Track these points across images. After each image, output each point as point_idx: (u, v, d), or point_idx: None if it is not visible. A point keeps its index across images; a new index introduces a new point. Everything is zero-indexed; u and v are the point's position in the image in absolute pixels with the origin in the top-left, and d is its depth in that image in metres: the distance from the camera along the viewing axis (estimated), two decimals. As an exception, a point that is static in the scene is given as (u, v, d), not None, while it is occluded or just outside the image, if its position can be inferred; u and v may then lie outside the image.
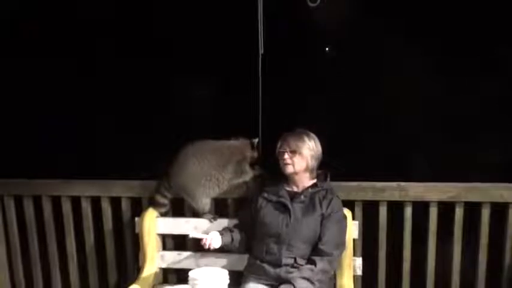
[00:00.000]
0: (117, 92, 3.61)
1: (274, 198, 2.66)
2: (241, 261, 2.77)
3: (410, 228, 2.89)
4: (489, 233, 2.83)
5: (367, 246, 2.92)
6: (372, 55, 3.38)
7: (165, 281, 3.05)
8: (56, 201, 3.23)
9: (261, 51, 3.02)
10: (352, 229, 2.75)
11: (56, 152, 3.63)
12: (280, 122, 3.25)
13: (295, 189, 2.67)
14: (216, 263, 2.78)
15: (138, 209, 3.09)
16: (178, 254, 2.95)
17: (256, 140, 2.92)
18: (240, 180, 2.90)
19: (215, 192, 2.90)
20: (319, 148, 2.65)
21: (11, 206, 3.33)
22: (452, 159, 3.28)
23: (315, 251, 2.55)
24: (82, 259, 3.28)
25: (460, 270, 2.89)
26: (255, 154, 2.90)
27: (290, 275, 2.49)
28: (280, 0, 3.16)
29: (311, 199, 2.62)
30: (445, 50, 3.26)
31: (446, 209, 2.86)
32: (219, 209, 2.99)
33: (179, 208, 3.04)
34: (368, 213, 2.91)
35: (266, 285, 2.59)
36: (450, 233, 2.87)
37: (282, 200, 2.63)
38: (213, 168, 2.85)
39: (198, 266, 2.80)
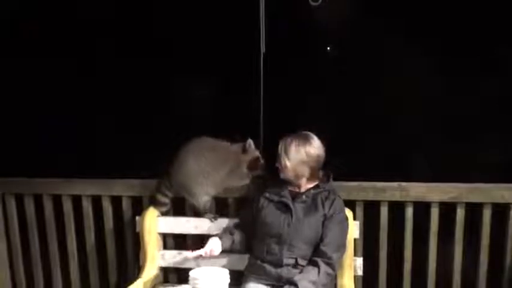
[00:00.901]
0: (118, 92, 3.61)
1: (276, 198, 2.65)
2: (241, 261, 2.77)
3: (411, 228, 2.88)
4: (490, 234, 2.83)
5: (368, 247, 2.92)
6: (373, 55, 3.38)
7: (166, 280, 3.05)
8: (57, 200, 3.24)
9: (263, 50, 3.02)
10: (353, 229, 2.75)
11: (57, 151, 3.63)
12: (282, 122, 3.26)
13: (297, 189, 2.66)
14: (216, 263, 2.78)
15: (138, 208, 3.09)
16: (179, 254, 2.95)
17: (249, 141, 2.86)
18: (238, 184, 2.89)
19: (213, 190, 2.90)
20: (315, 153, 2.58)
21: (11, 204, 3.33)
22: (453, 159, 3.28)
23: (317, 252, 2.54)
24: (83, 258, 3.28)
25: (461, 271, 2.88)
26: (250, 156, 2.87)
27: (295, 277, 2.48)
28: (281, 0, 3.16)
29: (313, 200, 2.61)
30: (445, 50, 3.26)
31: (447, 209, 2.85)
32: (220, 208, 2.99)
33: (180, 207, 3.04)
34: (369, 213, 2.91)
35: (266, 285, 2.58)
36: (451, 233, 2.86)
37: (284, 199, 2.62)
38: (210, 165, 2.85)
39: (199, 265, 2.80)
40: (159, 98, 3.60)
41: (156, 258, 2.95)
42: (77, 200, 3.21)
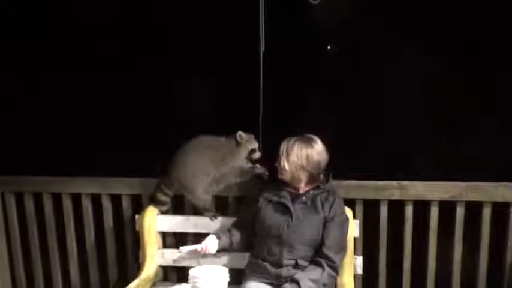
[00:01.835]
0: (118, 92, 3.60)
1: (275, 198, 2.64)
2: (241, 260, 2.77)
3: (411, 227, 2.88)
4: (490, 233, 2.83)
5: (367, 245, 2.92)
6: (373, 54, 3.38)
7: (166, 278, 3.05)
8: (57, 199, 3.24)
9: (262, 49, 3.01)
10: (353, 228, 2.74)
11: (57, 150, 3.63)
12: (282, 121, 3.25)
13: (296, 190, 2.65)
14: (216, 261, 2.78)
15: (138, 206, 3.09)
16: (179, 252, 2.94)
17: (239, 133, 2.83)
18: (237, 181, 2.89)
19: (214, 188, 2.90)
20: (316, 158, 2.54)
21: (11, 202, 3.33)
22: (453, 158, 3.27)
23: (319, 254, 2.53)
24: (82, 256, 3.28)
25: (461, 270, 2.88)
26: (246, 151, 2.85)
27: (296, 275, 2.48)
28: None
29: (313, 201, 2.59)
30: (445, 50, 3.26)
31: (447, 208, 2.85)
32: (220, 207, 2.99)
33: (180, 206, 3.04)
34: (369, 211, 2.91)
35: (267, 283, 2.58)
36: (451, 232, 2.86)
37: (283, 200, 2.61)
38: (209, 164, 2.85)
39: (199, 263, 2.80)
40: (159, 97, 3.59)
41: (156, 256, 2.95)
42: (76, 199, 3.21)
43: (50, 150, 3.63)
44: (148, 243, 2.92)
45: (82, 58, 3.63)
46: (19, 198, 3.32)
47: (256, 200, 2.70)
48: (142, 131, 3.60)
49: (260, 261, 2.60)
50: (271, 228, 2.58)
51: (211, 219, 2.91)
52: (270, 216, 2.61)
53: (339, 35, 3.46)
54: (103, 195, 3.16)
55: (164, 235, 3.05)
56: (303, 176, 2.58)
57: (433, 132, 3.39)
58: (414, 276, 2.94)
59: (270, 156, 2.72)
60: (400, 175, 2.92)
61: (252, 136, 2.88)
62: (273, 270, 2.56)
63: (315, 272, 2.48)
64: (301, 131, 2.66)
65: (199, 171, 2.85)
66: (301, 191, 2.63)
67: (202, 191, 2.88)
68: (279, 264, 2.55)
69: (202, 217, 2.92)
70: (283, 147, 2.59)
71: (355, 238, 2.79)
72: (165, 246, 3.04)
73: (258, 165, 2.91)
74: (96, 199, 3.19)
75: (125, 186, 3.13)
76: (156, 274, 2.94)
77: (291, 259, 2.54)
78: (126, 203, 3.13)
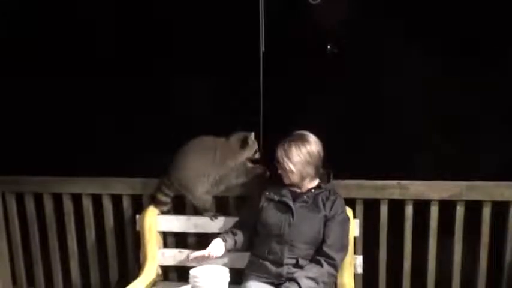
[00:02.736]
0: (118, 92, 3.60)
1: (276, 197, 2.64)
2: (242, 259, 2.78)
3: (411, 226, 2.89)
4: (490, 232, 2.83)
5: (368, 245, 2.92)
6: (373, 54, 3.38)
7: (166, 278, 3.05)
8: (57, 199, 3.24)
9: (262, 49, 3.01)
10: (353, 227, 2.75)
11: (58, 150, 3.63)
12: (282, 121, 3.25)
13: (297, 189, 2.66)
14: (216, 261, 2.77)
15: (139, 206, 3.09)
16: (179, 252, 2.95)
17: (249, 134, 2.85)
18: (238, 181, 2.90)
19: (214, 189, 2.90)
20: (315, 150, 2.58)
21: (12, 203, 3.34)
22: (453, 158, 3.28)
23: (320, 253, 2.54)
24: (83, 256, 3.28)
25: (461, 269, 2.88)
26: (250, 152, 2.87)
27: (295, 274, 2.49)
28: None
29: (314, 200, 2.60)
30: (445, 50, 3.26)
31: (447, 207, 2.86)
32: (220, 207, 2.99)
33: (180, 206, 3.05)
34: (369, 211, 2.91)
35: (267, 283, 2.58)
36: (451, 231, 2.87)
37: (285, 199, 2.62)
38: (210, 165, 2.85)
39: (199, 263, 2.80)
40: (159, 97, 3.60)
41: (156, 256, 2.95)
42: (77, 199, 3.22)
43: (50, 150, 3.63)
44: (149, 243, 2.93)
45: (82, 58, 3.63)
46: (20, 199, 3.32)
47: (258, 199, 2.70)
48: (144, 131, 3.60)
49: (261, 261, 2.61)
50: (272, 227, 2.59)
51: (212, 219, 2.91)
52: (272, 215, 2.62)
53: (338, 34, 3.46)
54: (104, 195, 3.16)
55: (165, 235, 3.05)
56: (311, 171, 2.59)
57: (433, 132, 3.39)
58: (414, 275, 2.95)
59: (270, 156, 2.73)
60: (400, 175, 2.92)
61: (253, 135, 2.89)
62: (273, 269, 2.56)
63: (313, 270, 2.49)
64: (295, 132, 2.66)
65: (200, 172, 2.85)
66: (303, 190, 2.64)
67: (203, 192, 2.88)
68: (279, 263, 2.55)
69: (203, 217, 2.92)
70: (281, 152, 2.58)
71: (355, 238, 2.79)
72: (165, 246, 3.05)
73: (258, 165, 2.91)
74: (96, 199, 3.19)
75: (126, 187, 3.13)
76: (157, 274, 2.95)
77: (291, 258, 2.55)
78: (126, 203, 3.14)
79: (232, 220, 2.86)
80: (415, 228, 2.89)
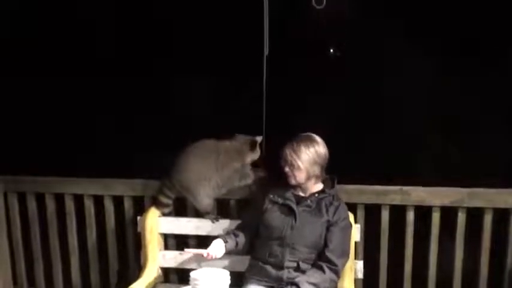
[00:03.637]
0: (118, 92, 3.61)
1: (280, 200, 2.65)
2: (242, 262, 2.77)
3: (412, 232, 2.88)
4: (491, 239, 2.82)
5: (368, 250, 2.92)
6: (374, 56, 3.38)
7: (167, 280, 3.05)
8: (59, 199, 3.24)
9: (266, 52, 3.02)
10: (354, 232, 2.74)
11: (60, 151, 3.64)
12: (285, 122, 3.26)
13: (301, 194, 2.66)
14: (217, 264, 2.78)
15: (140, 208, 3.09)
16: (180, 254, 2.95)
17: (259, 139, 2.88)
18: (241, 184, 2.89)
19: (216, 193, 2.90)
20: (323, 151, 2.61)
21: (14, 203, 3.34)
22: (455, 164, 3.27)
23: (322, 258, 2.53)
24: (84, 257, 3.28)
25: (462, 275, 2.88)
26: (256, 155, 2.88)
27: (297, 279, 2.48)
28: (286, 2, 3.16)
29: (317, 204, 2.60)
30: (445, 50, 3.26)
31: (448, 214, 2.85)
32: (222, 209, 2.99)
33: (181, 208, 3.05)
34: (370, 216, 2.91)
35: (267, 286, 2.58)
36: (452, 237, 2.86)
37: (288, 202, 2.62)
38: (212, 170, 2.85)
39: (200, 266, 2.81)
40: (162, 98, 3.60)
41: (157, 258, 2.95)
42: (79, 199, 3.22)
43: (52, 151, 3.64)
44: (150, 244, 2.93)
45: (83, 58, 3.64)
46: (21, 198, 3.32)
47: (261, 202, 2.70)
48: (145, 132, 3.60)
49: (261, 264, 2.61)
50: (275, 229, 2.59)
51: (213, 221, 2.91)
52: (275, 217, 2.62)
53: (340, 36, 3.47)
54: (105, 197, 3.16)
55: (166, 237, 3.05)
56: (317, 171, 2.60)
57: (435, 135, 3.39)
58: (415, 281, 2.94)
59: (272, 158, 2.73)
60: (400, 177, 2.92)
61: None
62: (274, 272, 2.56)
63: (315, 276, 2.49)
64: (303, 132, 2.67)
65: (201, 175, 2.85)
66: (307, 194, 2.65)
67: (204, 195, 2.88)
68: (280, 266, 2.55)
69: (204, 219, 2.92)
70: (289, 151, 2.59)
71: (356, 242, 2.79)
72: (166, 248, 3.05)
73: (259, 169, 2.91)
74: (98, 200, 3.19)
75: (127, 188, 3.13)
76: (157, 275, 2.94)
77: (292, 261, 2.54)
78: (128, 205, 3.14)
79: (234, 223, 2.85)
80: (416, 233, 2.89)
